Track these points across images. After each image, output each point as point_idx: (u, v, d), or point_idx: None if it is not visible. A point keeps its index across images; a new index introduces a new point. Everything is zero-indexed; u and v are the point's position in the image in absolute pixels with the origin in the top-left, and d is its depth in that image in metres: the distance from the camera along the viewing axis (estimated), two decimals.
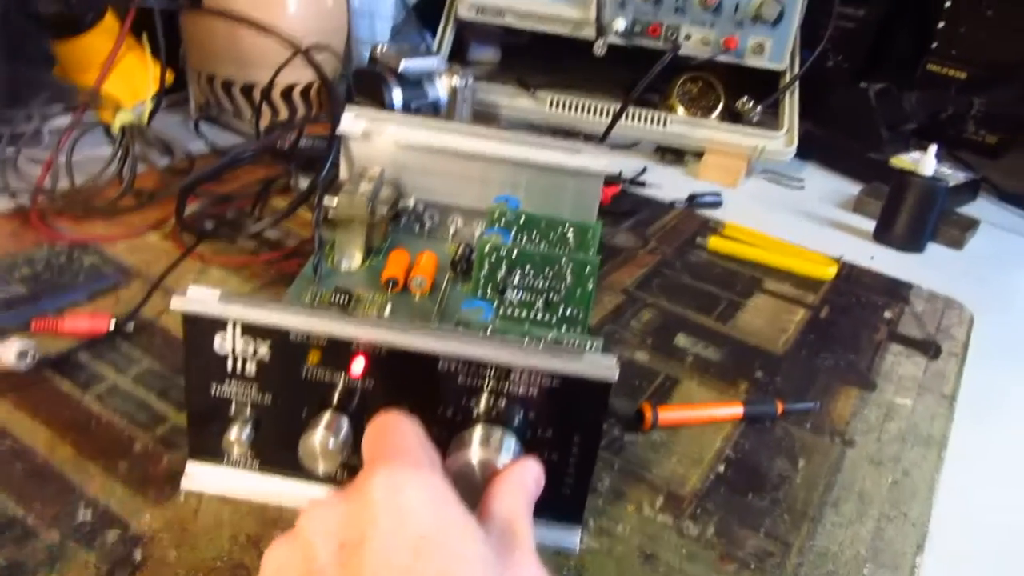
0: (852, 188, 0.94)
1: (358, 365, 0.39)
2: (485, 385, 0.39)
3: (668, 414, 0.52)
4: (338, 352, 0.39)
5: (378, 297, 0.56)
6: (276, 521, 0.42)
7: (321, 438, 0.38)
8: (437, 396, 0.39)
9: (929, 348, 0.65)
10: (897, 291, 0.73)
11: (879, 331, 0.66)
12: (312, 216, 0.58)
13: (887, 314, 0.69)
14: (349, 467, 0.40)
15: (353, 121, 0.62)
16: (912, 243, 0.82)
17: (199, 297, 0.39)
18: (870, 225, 0.84)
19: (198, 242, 0.61)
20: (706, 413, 0.53)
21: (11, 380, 0.48)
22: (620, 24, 0.92)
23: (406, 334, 0.38)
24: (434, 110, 0.86)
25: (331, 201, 0.58)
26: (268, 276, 0.62)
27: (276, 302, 0.39)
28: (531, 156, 0.62)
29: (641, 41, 0.94)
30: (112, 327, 0.52)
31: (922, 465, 0.52)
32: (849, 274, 0.75)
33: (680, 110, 0.98)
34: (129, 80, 0.69)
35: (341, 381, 0.39)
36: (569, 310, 0.53)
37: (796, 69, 0.95)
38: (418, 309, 0.56)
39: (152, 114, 0.70)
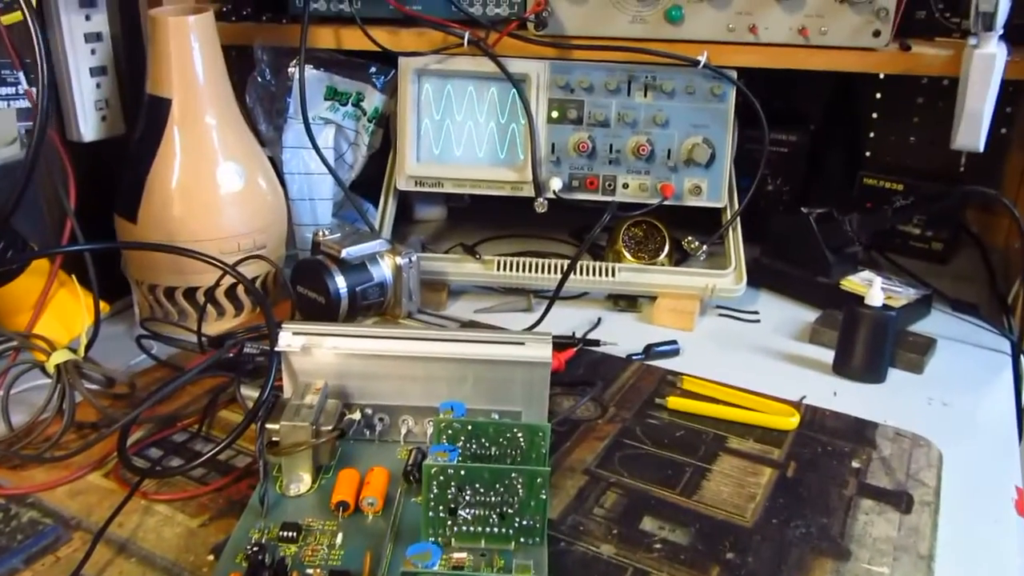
0: (807, 315, 0.94)
1: None
2: None
3: None
4: None
5: (328, 525, 0.54)
6: None
7: None
8: None
9: (901, 500, 0.63)
10: (863, 433, 0.72)
11: (848, 485, 0.65)
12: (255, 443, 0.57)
13: (855, 463, 0.68)
14: None
15: (291, 338, 0.62)
16: (871, 374, 0.81)
17: None
18: (828, 355, 0.84)
19: (140, 482, 0.60)
20: None
21: None
22: (557, 184, 0.94)
23: None
24: (380, 290, 0.86)
25: (274, 427, 0.57)
26: (217, 506, 0.60)
27: None
28: (474, 352, 0.62)
29: (580, 195, 0.96)
30: None
31: None
32: (812, 419, 0.74)
33: (627, 255, 0.98)
34: (62, 318, 0.69)
35: None
36: (524, 521, 0.52)
37: (736, 204, 0.97)
38: (371, 531, 0.54)
39: (89, 345, 0.70)
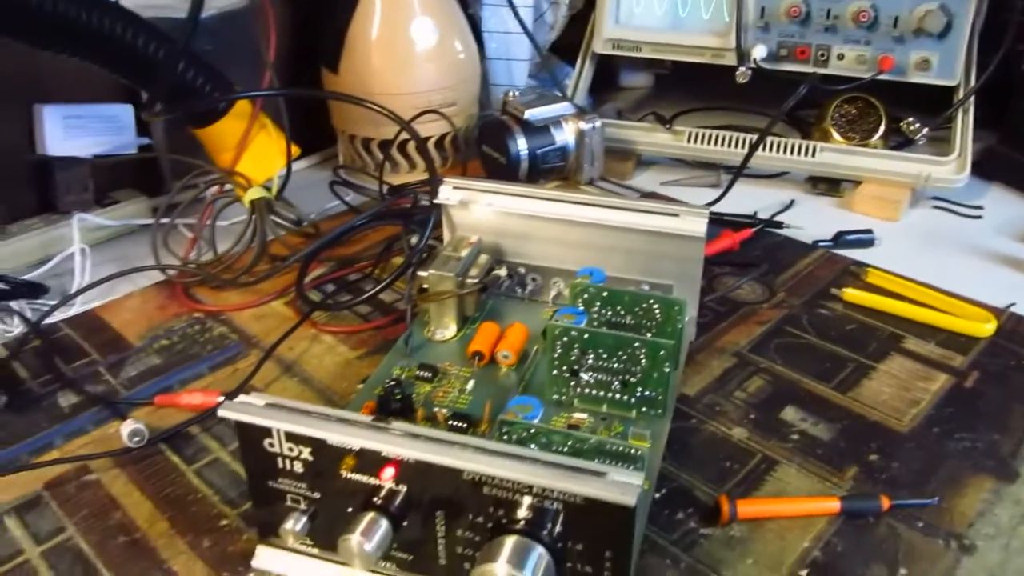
0: None
1: (388, 473, 0.40)
2: (511, 497, 0.38)
3: (748, 508, 0.48)
4: (370, 460, 0.40)
5: (463, 371, 0.57)
6: None
7: (356, 542, 0.40)
8: (467, 504, 0.40)
9: None
10: None
11: None
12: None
13: None
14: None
15: (450, 192, 0.63)
16: None
17: (246, 407, 0.41)
18: None
19: (310, 313, 0.65)
20: (793, 508, 0.49)
21: (130, 456, 0.53)
22: (761, 52, 0.86)
23: (426, 448, 0.39)
24: (562, 154, 0.85)
25: (423, 274, 0.59)
26: (375, 342, 0.64)
27: (316, 410, 0.41)
28: (626, 221, 0.60)
29: (788, 65, 0.88)
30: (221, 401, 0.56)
31: None
32: (1014, 329, 0.66)
33: (835, 134, 0.90)
34: (259, 159, 0.74)
35: (376, 485, 0.41)
36: (647, 392, 0.51)
37: (972, 82, 0.85)
38: (501, 383, 0.56)
39: (283, 186, 0.75)
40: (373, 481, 0.40)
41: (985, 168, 0.91)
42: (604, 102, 1.08)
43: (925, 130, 0.86)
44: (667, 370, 0.50)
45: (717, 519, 0.48)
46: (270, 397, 0.42)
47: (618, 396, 0.52)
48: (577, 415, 0.52)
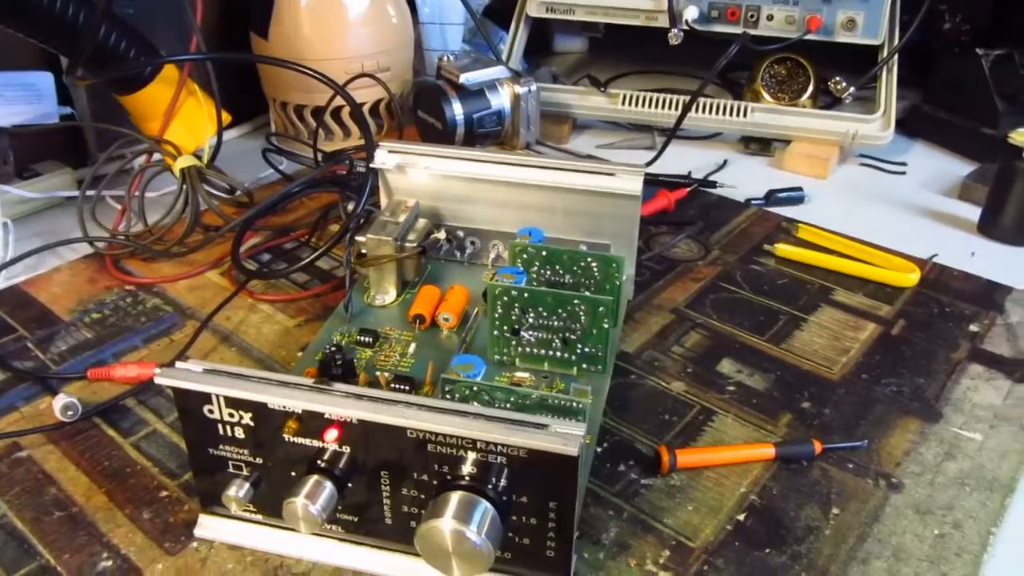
0: (962, 170, 0.85)
1: (331, 434, 0.40)
2: (456, 453, 0.39)
3: (687, 457, 0.49)
4: (313, 422, 0.40)
5: (405, 335, 0.57)
6: (278, 570, 0.44)
7: (300, 505, 0.40)
8: (411, 463, 0.40)
9: (1017, 368, 0.58)
10: (991, 297, 0.66)
11: (959, 349, 0.60)
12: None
13: (973, 327, 0.62)
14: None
15: (386, 156, 0.63)
16: (1021, 235, 0.73)
17: (184, 373, 0.41)
18: (977, 214, 0.76)
19: (247, 281, 0.64)
20: (730, 455, 0.50)
21: (63, 431, 0.52)
22: (692, 13, 0.87)
23: (369, 408, 0.39)
24: (498, 118, 0.85)
25: (361, 239, 0.59)
26: (314, 310, 0.64)
27: (256, 375, 0.41)
28: (563, 181, 0.60)
29: (719, 26, 0.89)
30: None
31: (979, 515, 0.47)
32: (937, 279, 0.68)
33: (766, 95, 0.92)
34: (189, 127, 0.73)
35: (319, 448, 0.40)
36: (587, 348, 0.52)
37: (896, 41, 0.87)
38: (443, 345, 0.56)
39: (215, 154, 0.74)
40: (317, 444, 0.40)
41: (909, 126, 0.93)
42: (539, 66, 1.08)
43: (852, 89, 0.88)
44: (606, 326, 0.51)
45: (658, 469, 0.49)
46: (208, 363, 0.41)
47: (559, 354, 0.52)
48: (519, 374, 0.52)
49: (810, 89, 0.91)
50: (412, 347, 0.55)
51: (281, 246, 0.71)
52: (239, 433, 0.41)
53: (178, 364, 0.41)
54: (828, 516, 0.47)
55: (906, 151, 0.91)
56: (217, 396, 0.40)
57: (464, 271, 0.64)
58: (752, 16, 0.88)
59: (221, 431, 0.42)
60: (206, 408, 0.41)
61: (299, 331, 0.61)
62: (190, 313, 0.63)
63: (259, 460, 0.42)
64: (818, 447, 0.50)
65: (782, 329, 0.62)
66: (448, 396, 0.44)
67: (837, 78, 0.89)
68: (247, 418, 0.41)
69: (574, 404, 0.43)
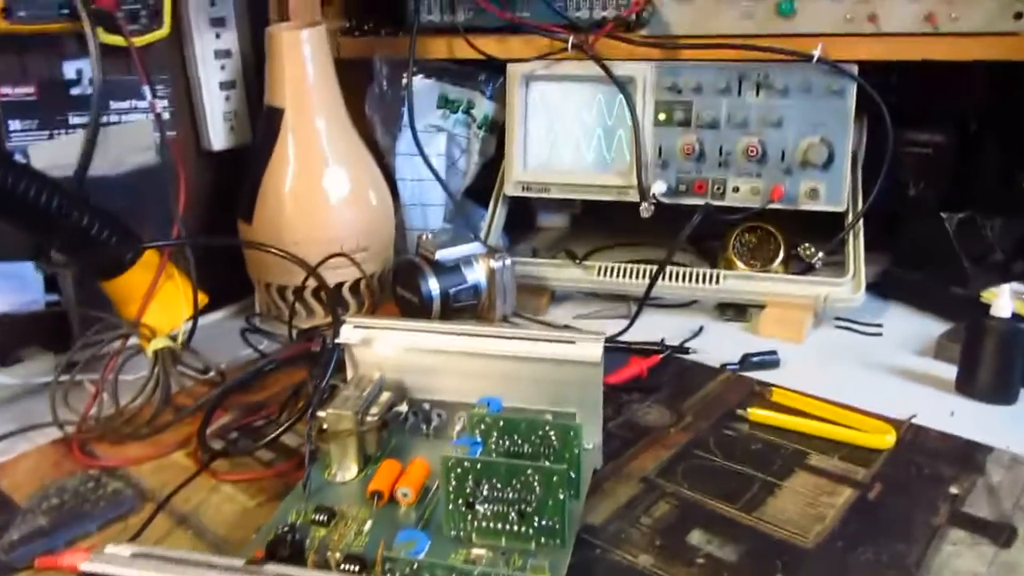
0: (937, 329, 0.85)
1: None
2: None
3: None
4: None
5: (362, 512, 0.55)
6: None
7: None
8: None
9: (1002, 533, 0.56)
10: (971, 458, 0.64)
11: (939, 512, 0.58)
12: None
13: (953, 489, 0.60)
14: None
15: (351, 332, 0.64)
16: (998, 394, 0.72)
17: (111, 558, 0.40)
18: (954, 373, 0.76)
19: (209, 461, 0.64)
20: None
21: None
22: (660, 187, 0.91)
23: None
24: (474, 292, 0.87)
25: (322, 414, 0.59)
26: (276, 489, 0.62)
27: (184, 557, 0.40)
28: (523, 350, 0.61)
29: (687, 199, 0.92)
30: None
31: None
32: (914, 440, 0.67)
33: (738, 262, 0.94)
34: (165, 309, 0.75)
35: None
36: (544, 521, 0.50)
37: (860, 206, 0.90)
38: (401, 521, 0.55)
39: (191, 335, 0.75)
40: None
41: (883, 288, 0.94)
42: (522, 242, 1.11)
43: (820, 254, 0.90)
44: (562, 497, 0.49)
45: None
46: (139, 547, 0.41)
47: (516, 528, 0.51)
48: (476, 551, 0.51)
49: (781, 255, 0.93)
50: (368, 524, 0.54)
51: (251, 424, 0.71)
52: None
53: (107, 548, 0.40)
54: None
55: (881, 312, 0.92)
56: None
57: (429, 444, 0.64)
58: (718, 188, 0.91)
59: None
60: None
61: (259, 511, 0.60)
62: (150, 495, 0.62)
63: None
64: None
65: (755, 496, 0.60)
66: (390, 574, 0.42)
67: (806, 244, 0.91)
68: None
69: None
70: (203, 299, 0.77)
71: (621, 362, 0.77)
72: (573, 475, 0.54)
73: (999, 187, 1.02)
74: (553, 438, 0.54)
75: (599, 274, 0.93)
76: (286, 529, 0.51)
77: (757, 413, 0.69)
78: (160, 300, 0.75)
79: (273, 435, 0.62)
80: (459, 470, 0.50)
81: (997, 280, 0.86)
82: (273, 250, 0.73)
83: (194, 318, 0.76)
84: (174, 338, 0.72)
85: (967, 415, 0.71)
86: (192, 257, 0.78)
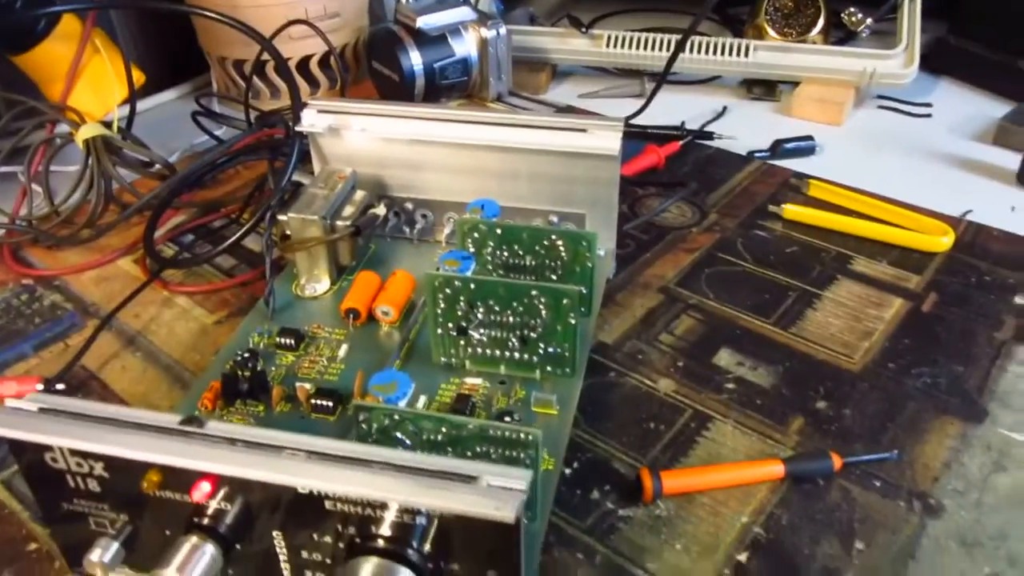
0: (997, 111, 0.74)
1: (203, 489, 0.30)
2: (363, 513, 0.29)
3: (675, 481, 0.40)
4: (179, 475, 0.31)
5: (336, 334, 0.47)
6: None
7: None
8: (310, 523, 0.31)
9: None
10: None
11: (1003, 327, 0.50)
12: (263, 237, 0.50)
13: (1019, 299, 0.52)
14: None
15: (315, 117, 0.52)
16: None
17: (15, 416, 0.31)
18: (1015, 162, 0.66)
19: (158, 271, 0.55)
20: (728, 476, 0.41)
21: None
22: None
23: (240, 460, 0.29)
24: (463, 67, 0.74)
25: (283, 218, 0.49)
26: (240, 303, 0.54)
27: (106, 415, 0.31)
28: (526, 141, 0.50)
29: None
30: (40, 390, 0.46)
31: None
32: (973, 241, 0.58)
33: (770, 31, 0.81)
34: (95, 90, 0.62)
35: (192, 503, 0.31)
36: (552, 348, 0.42)
37: None
38: (381, 345, 0.47)
39: (129, 120, 0.64)
40: (186, 499, 0.31)
41: (934, 61, 0.82)
42: (515, 7, 0.96)
43: (868, 21, 0.77)
44: (572, 322, 0.41)
45: (639, 497, 0.40)
46: (50, 398, 0.32)
47: (518, 354, 0.43)
48: (470, 380, 0.43)
49: (820, 23, 0.79)
50: (343, 349, 0.46)
51: (208, 226, 0.61)
52: (93, 486, 0.32)
53: (9, 402, 0.32)
54: (851, 552, 0.37)
55: (931, 91, 0.80)
56: (60, 448, 0.31)
57: (414, 251, 0.55)
58: None
59: (72, 483, 0.33)
60: (48, 456, 0.32)
61: (218, 329, 0.52)
62: (93, 311, 0.54)
63: (123, 517, 0.33)
64: (837, 462, 0.41)
65: (791, 309, 0.52)
66: (364, 427, 0.35)
67: (851, 9, 0.78)
68: (99, 468, 0.32)
69: (523, 436, 0.33)
70: (139, 77, 0.64)
71: (635, 150, 0.67)
72: (584, 291, 0.45)
73: None
74: (561, 248, 0.45)
75: (609, 45, 0.80)
76: (246, 356, 0.43)
77: (792, 210, 0.60)
78: (88, 79, 0.63)
79: (232, 238, 0.53)
80: (447, 291, 0.41)
81: None
82: (216, 15, 0.60)
83: (131, 100, 0.64)
84: (108, 124, 0.60)
85: None
86: (125, 25, 0.65)
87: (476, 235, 0.46)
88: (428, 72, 0.73)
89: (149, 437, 0.30)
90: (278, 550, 0.32)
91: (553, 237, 0.45)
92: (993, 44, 0.78)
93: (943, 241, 0.57)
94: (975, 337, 0.50)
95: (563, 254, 0.45)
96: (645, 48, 0.78)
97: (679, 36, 0.76)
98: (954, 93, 0.80)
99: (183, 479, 0.30)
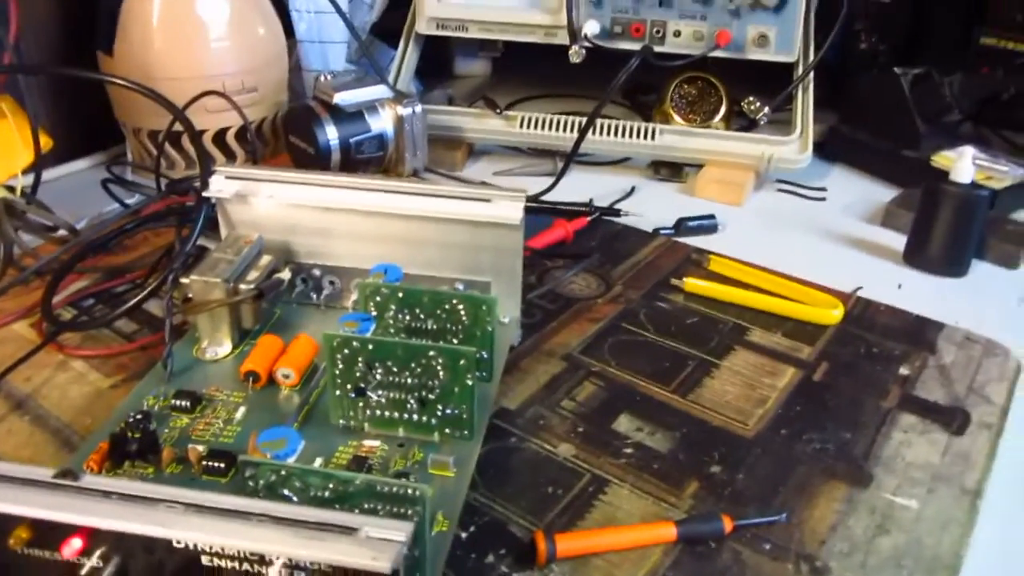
0: (885, 195, 0.79)
1: (73, 545, 0.29)
2: (241, 568, 0.29)
3: (569, 543, 0.40)
4: (49, 530, 0.29)
5: (234, 396, 0.47)
6: None
7: None
8: None
9: (954, 418, 0.51)
10: (922, 334, 0.59)
11: (889, 395, 0.52)
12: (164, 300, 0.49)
13: (903, 370, 0.55)
14: None
15: (223, 183, 0.53)
16: (950, 266, 0.67)
17: None
18: (902, 242, 0.70)
19: (55, 333, 0.53)
20: (622, 538, 0.41)
21: None
22: (594, 27, 0.80)
23: (114, 511, 0.29)
24: (379, 143, 0.76)
25: (185, 281, 0.49)
26: (138, 366, 0.53)
27: None
28: (432, 209, 0.51)
29: (623, 43, 0.82)
30: None
31: None
32: (862, 314, 0.61)
33: (676, 116, 0.85)
34: (2, 152, 0.61)
35: (62, 562, 0.30)
36: (450, 409, 0.42)
37: (811, 58, 0.81)
38: (281, 409, 0.46)
39: (35, 185, 0.63)
40: (57, 557, 0.30)
41: (828, 149, 0.88)
42: (437, 89, 0.99)
43: (766, 109, 0.82)
44: (469, 383, 0.41)
45: (534, 560, 0.40)
46: None
47: (416, 417, 0.43)
48: (369, 442, 0.43)
49: (723, 110, 0.84)
50: (240, 411, 0.45)
51: (111, 291, 0.60)
52: None
53: None
54: None
55: (825, 175, 0.85)
56: None
57: (320, 317, 0.55)
58: (658, 32, 0.81)
59: None
60: None
61: (113, 393, 0.51)
62: None
63: None
64: (728, 524, 0.41)
65: (690, 377, 0.54)
66: (250, 483, 0.34)
67: (751, 98, 0.83)
68: None
69: (410, 492, 0.33)
70: (47, 143, 0.64)
71: (544, 224, 0.69)
72: (485, 355, 0.46)
73: (956, 44, 0.95)
74: (462, 312, 0.46)
75: (522, 125, 0.83)
76: (139, 417, 0.42)
77: (693, 283, 0.62)
78: None
79: (132, 302, 0.52)
80: (346, 351, 0.42)
81: (949, 144, 0.80)
82: (128, 83, 0.60)
83: (37, 165, 0.63)
84: (12, 189, 0.59)
85: (917, 288, 0.65)
86: (35, 92, 0.64)
87: (378, 298, 0.46)
88: (344, 146, 0.74)
89: (16, 490, 0.29)
90: None
91: (454, 301, 0.45)
92: (879, 134, 0.84)
93: (833, 314, 0.59)
94: (862, 405, 0.52)
95: (464, 318, 0.46)
96: (556, 129, 0.81)
97: (585, 118, 0.79)
98: (846, 178, 0.85)
99: (53, 535, 0.29)
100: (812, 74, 0.81)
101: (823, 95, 0.84)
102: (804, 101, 0.80)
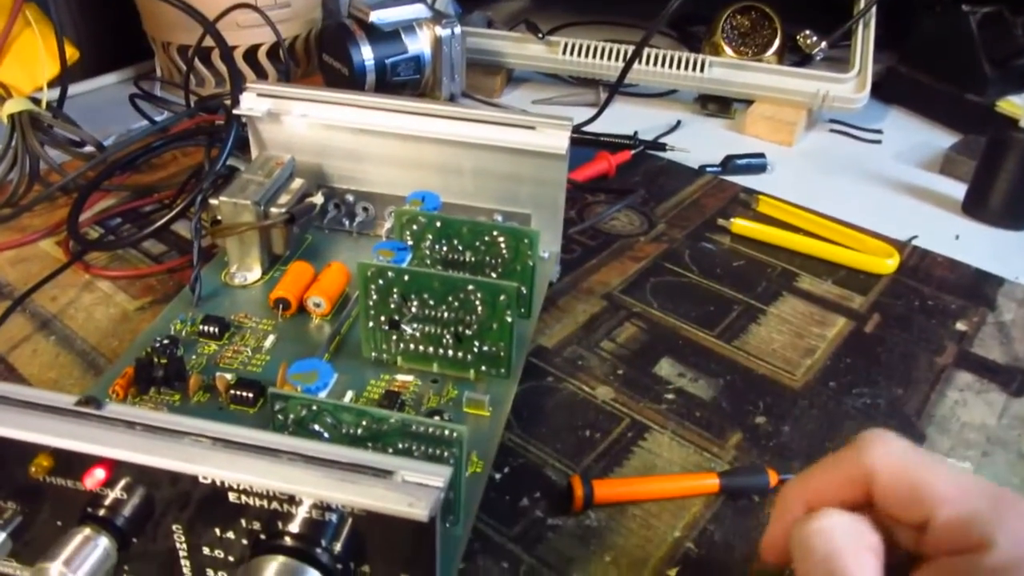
0: (944, 141, 0.75)
1: (96, 476, 0.28)
2: (270, 507, 0.27)
3: (607, 490, 0.39)
4: (71, 460, 0.28)
5: (263, 324, 0.45)
6: None
7: (55, 572, 0.28)
8: (212, 516, 0.28)
9: (1013, 379, 0.48)
10: (981, 289, 0.56)
11: (944, 352, 0.50)
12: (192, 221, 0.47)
13: (960, 325, 0.52)
14: None
15: (254, 101, 0.50)
16: (1013, 218, 0.63)
17: None
18: (961, 191, 0.66)
19: (81, 253, 0.52)
20: (662, 488, 0.39)
21: None
22: None
23: (138, 444, 0.27)
24: (416, 65, 0.73)
25: (214, 202, 0.47)
26: (165, 289, 0.51)
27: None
28: (473, 135, 0.49)
29: None
30: None
31: None
32: (918, 265, 0.58)
33: (727, 48, 0.81)
34: (24, 64, 0.59)
35: (84, 491, 0.29)
36: (487, 346, 0.41)
37: None
38: (310, 338, 0.44)
39: (61, 98, 0.61)
40: (79, 487, 0.29)
41: (885, 90, 0.83)
42: (474, 11, 0.95)
43: (823, 44, 0.78)
44: (509, 320, 0.39)
45: (570, 505, 0.38)
46: None
47: (452, 352, 0.41)
48: (401, 377, 0.41)
49: (776, 43, 0.80)
50: (269, 340, 0.44)
51: (138, 211, 0.58)
52: None
53: None
54: (783, 572, 0.36)
55: (881, 118, 0.81)
56: None
57: (352, 244, 0.53)
58: None
59: None
60: None
61: (139, 316, 0.49)
62: (7, 292, 0.51)
63: (11, 505, 0.30)
64: (773, 478, 0.40)
65: (735, 323, 0.51)
66: (279, 417, 0.33)
67: (807, 32, 0.78)
68: None
69: (447, 433, 0.31)
70: (73, 54, 0.61)
71: (586, 157, 0.66)
72: (524, 291, 0.44)
73: None
74: (502, 245, 0.43)
75: (565, 52, 0.79)
76: (166, 342, 0.40)
77: (741, 224, 0.59)
78: (16, 52, 0.59)
79: (160, 222, 0.50)
80: (380, 282, 0.40)
81: (1017, 89, 0.76)
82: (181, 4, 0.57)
83: (63, 77, 0.61)
84: (36, 101, 0.57)
85: (975, 240, 0.62)
86: (58, 2, 0.62)
87: (415, 227, 0.44)
88: (379, 68, 0.71)
89: (38, 417, 0.28)
90: (178, 546, 0.30)
91: (495, 233, 0.43)
92: (941, 76, 0.79)
93: (888, 263, 0.56)
94: (916, 360, 0.49)
95: (504, 251, 0.44)
96: (600, 57, 0.78)
97: (633, 47, 0.75)
98: (904, 122, 0.81)
99: (75, 464, 0.28)
100: (874, 9, 0.76)
101: (883, 32, 0.79)
102: (864, 37, 0.76)
